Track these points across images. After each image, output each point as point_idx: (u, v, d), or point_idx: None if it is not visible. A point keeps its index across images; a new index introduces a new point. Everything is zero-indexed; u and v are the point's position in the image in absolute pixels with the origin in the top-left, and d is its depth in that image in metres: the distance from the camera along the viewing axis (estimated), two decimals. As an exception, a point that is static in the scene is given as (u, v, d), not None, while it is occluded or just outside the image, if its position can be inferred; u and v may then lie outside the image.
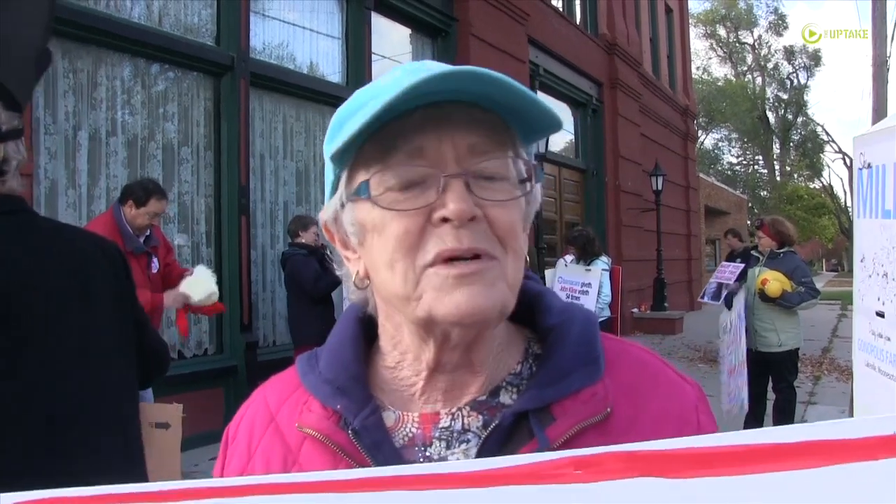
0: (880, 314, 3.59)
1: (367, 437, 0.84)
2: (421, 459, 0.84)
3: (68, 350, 1.90)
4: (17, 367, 1.79)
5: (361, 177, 0.84)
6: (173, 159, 6.91)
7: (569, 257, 8.42)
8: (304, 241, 6.81)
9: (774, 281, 6.55)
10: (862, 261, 3.83)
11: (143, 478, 1.97)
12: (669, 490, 0.60)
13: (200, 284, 4.79)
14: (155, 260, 4.77)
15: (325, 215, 0.91)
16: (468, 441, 0.84)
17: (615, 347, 0.91)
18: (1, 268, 1.78)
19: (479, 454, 0.82)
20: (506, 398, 0.87)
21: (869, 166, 3.69)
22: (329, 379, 0.90)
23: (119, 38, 6.30)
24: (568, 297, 6.99)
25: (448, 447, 0.85)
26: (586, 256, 8.10)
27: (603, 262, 8.05)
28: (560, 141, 15.38)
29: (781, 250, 6.76)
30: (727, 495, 0.59)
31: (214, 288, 4.85)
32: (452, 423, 0.86)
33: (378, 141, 0.82)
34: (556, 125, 0.87)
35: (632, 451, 0.61)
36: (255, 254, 7.67)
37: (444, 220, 0.79)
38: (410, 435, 0.86)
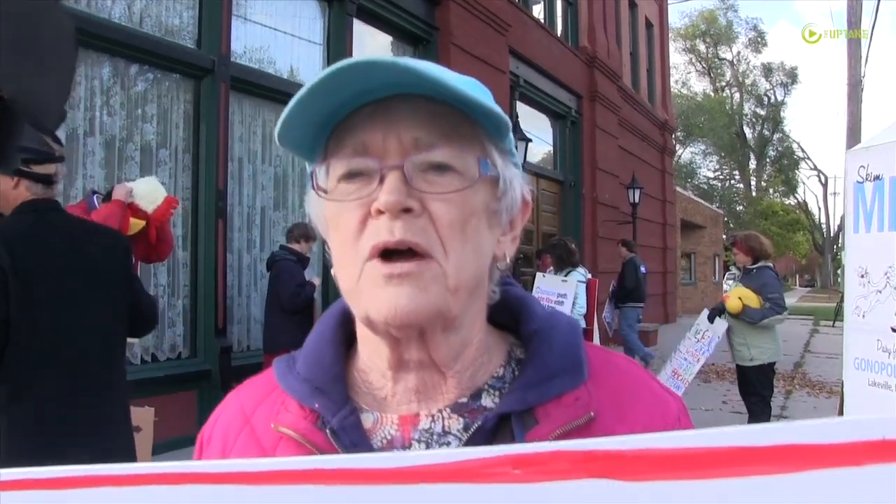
0: None
1: (346, 437, 0.83)
2: None
3: (71, 310, 2.80)
4: (34, 319, 2.65)
5: (319, 170, 0.86)
6: (151, 161, 6.87)
7: (550, 269, 8.46)
8: (298, 249, 6.78)
9: (734, 297, 6.73)
10: (863, 276, 3.68)
11: (125, 411, 3.02)
12: (624, 495, 0.54)
13: (144, 181, 4.79)
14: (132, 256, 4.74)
15: (309, 211, 0.92)
16: (448, 443, 0.83)
17: (600, 356, 0.91)
18: (31, 249, 2.72)
19: None
20: (488, 401, 0.86)
21: (877, 178, 3.60)
22: (307, 378, 0.89)
23: (98, 37, 6.26)
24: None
25: (428, 449, 0.83)
26: (562, 266, 8.13)
27: (579, 274, 8.07)
28: (538, 152, 15.45)
29: (754, 266, 6.86)
30: (690, 501, 0.53)
31: (159, 186, 4.81)
32: (432, 424, 0.85)
33: (334, 136, 0.85)
34: (491, 114, 0.83)
35: (583, 450, 0.55)
36: (231, 258, 7.63)
37: (381, 211, 0.79)
38: (389, 437, 0.85)
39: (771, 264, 7.00)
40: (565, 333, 0.90)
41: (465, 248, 0.81)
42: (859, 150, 3.85)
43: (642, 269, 12.21)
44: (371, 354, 0.89)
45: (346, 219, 0.82)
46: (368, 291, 0.81)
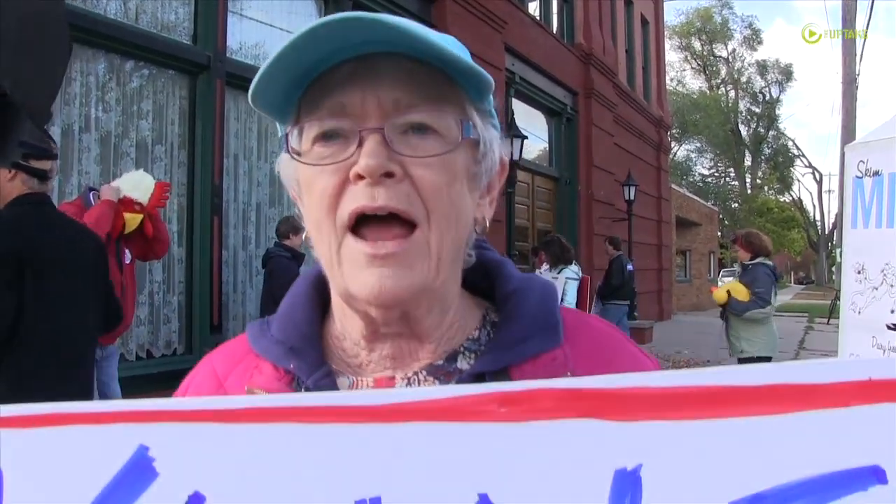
0: (894, 326, 3.41)
1: None
2: None
3: (61, 299, 2.89)
4: (29, 305, 2.74)
5: (292, 132, 0.83)
6: (147, 157, 6.85)
7: (545, 266, 8.54)
8: (291, 244, 6.79)
9: (722, 289, 7.24)
10: (860, 272, 3.63)
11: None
12: (612, 435, 0.52)
13: (129, 176, 4.77)
14: (126, 251, 4.72)
15: (279, 172, 0.90)
16: None
17: (576, 318, 0.90)
18: (27, 241, 2.86)
19: None
20: (463, 363, 0.85)
21: (876, 174, 3.55)
22: (281, 340, 0.87)
23: (94, 33, 6.24)
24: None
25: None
26: (557, 263, 8.23)
27: (570, 271, 8.19)
28: (534, 149, 15.44)
29: (751, 262, 7.12)
30: (681, 444, 0.52)
31: (145, 176, 4.78)
32: (408, 387, 0.84)
33: (308, 96, 0.81)
34: (472, 71, 0.81)
35: (570, 388, 0.54)
36: (226, 254, 7.62)
37: (360, 176, 0.76)
38: None
39: (769, 262, 7.19)
40: (540, 296, 0.88)
41: (450, 215, 0.80)
42: (858, 146, 3.80)
43: (629, 267, 12.27)
44: (345, 324, 0.88)
45: (323, 183, 0.79)
46: (350, 270, 0.79)
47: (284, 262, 6.65)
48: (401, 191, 0.77)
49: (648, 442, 0.52)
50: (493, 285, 0.91)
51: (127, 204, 4.51)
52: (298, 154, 0.82)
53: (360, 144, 0.77)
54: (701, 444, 0.51)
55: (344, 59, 0.79)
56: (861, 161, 3.63)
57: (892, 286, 3.44)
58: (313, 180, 0.80)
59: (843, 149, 3.73)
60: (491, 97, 0.89)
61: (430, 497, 0.56)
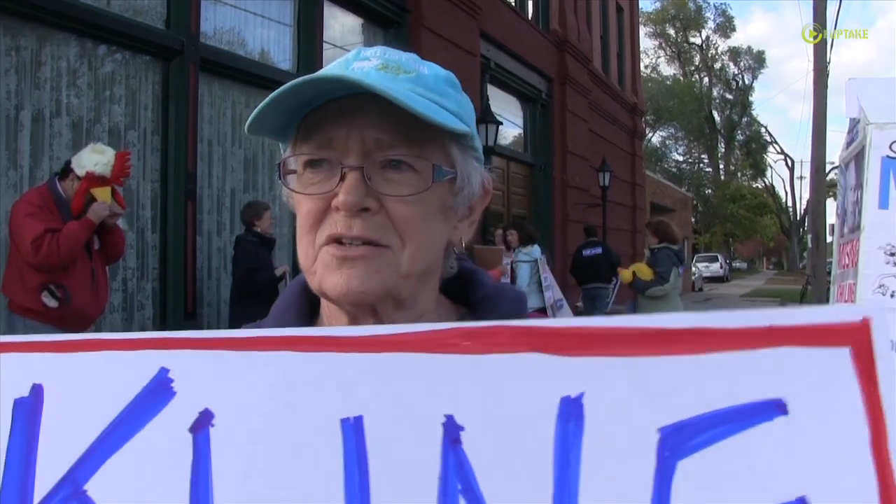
0: None
1: None
2: None
3: None
4: None
5: (288, 160, 0.93)
6: (119, 143, 6.78)
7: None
8: (258, 229, 6.76)
9: (626, 270, 8.18)
10: (893, 254, 3.63)
11: None
12: (558, 367, 0.61)
13: (86, 151, 4.69)
14: (94, 236, 4.69)
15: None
16: None
17: None
18: None
19: None
20: None
21: None
22: None
23: (65, 17, 6.17)
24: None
25: None
26: (524, 242, 8.80)
27: (524, 254, 8.75)
28: (509, 135, 15.47)
29: (657, 246, 8.00)
30: (616, 376, 0.60)
31: (103, 148, 4.72)
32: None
33: (304, 127, 0.91)
34: (452, 130, 0.90)
35: (525, 326, 0.63)
36: (200, 240, 7.58)
37: (339, 208, 0.86)
38: None
39: (673, 247, 8.04)
40: (511, 302, 0.98)
41: (423, 240, 0.89)
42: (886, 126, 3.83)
43: (585, 252, 12.56)
44: (332, 321, 0.97)
45: (308, 206, 0.91)
46: (322, 271, 0.88)
47: (249, 247, 6.65)
48: (376, 222, 0.87)
49: (589, 374, 0.61)
50: (467, 290, 1.01)
51: (91, 179, 4.50)
52: (294, 172, 0.92)
53: (343, 178, 0.87)
54: (633, 377, 0.60)
55: (336, 97, 0.88)
56: (895, 142, 3.66)
57: None
58: (301, 202, 0.92)
59: (864, 129, 3.73)
60: (475, 132, 0.96)
61: (405, 416, 0.65)
